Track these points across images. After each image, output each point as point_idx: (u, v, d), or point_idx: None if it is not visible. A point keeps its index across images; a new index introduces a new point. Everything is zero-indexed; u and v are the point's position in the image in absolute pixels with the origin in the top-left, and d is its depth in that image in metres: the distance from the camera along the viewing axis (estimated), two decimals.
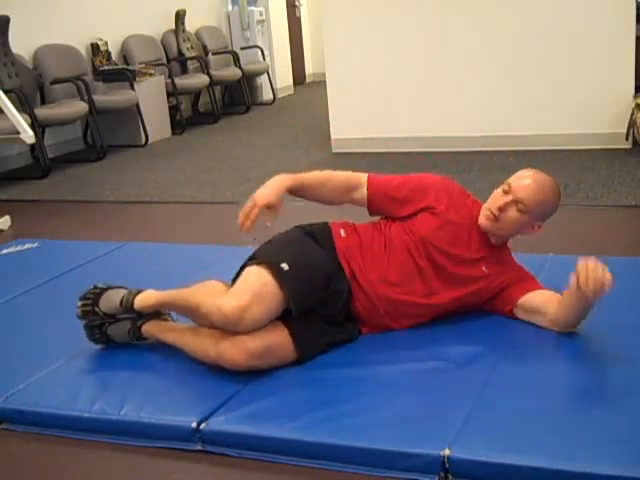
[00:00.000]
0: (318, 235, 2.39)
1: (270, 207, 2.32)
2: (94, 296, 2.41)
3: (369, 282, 2.32)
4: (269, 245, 2.38)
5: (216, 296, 2.17)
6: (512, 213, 2.31)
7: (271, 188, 2.35)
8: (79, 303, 2.42)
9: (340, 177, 2.47)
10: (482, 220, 2.35)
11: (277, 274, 2.18)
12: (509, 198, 2.31)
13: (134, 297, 2.37)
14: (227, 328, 2.13)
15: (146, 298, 2.36)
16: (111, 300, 2.39)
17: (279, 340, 2.19)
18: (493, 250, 2.40)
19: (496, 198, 2.35)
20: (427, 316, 2.39)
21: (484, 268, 2.36)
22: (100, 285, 2.44)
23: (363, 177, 2.46)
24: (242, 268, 2.30)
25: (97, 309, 2.39)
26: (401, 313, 2.35)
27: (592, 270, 2.02)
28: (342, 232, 2.41)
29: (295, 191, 2.41)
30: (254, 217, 2.30)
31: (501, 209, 2.31)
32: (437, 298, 2.35)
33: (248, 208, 2.32)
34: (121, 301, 2.37)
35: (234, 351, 2.12)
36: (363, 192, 2.44)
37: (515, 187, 2.31)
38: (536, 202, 2.31)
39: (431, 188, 2.41)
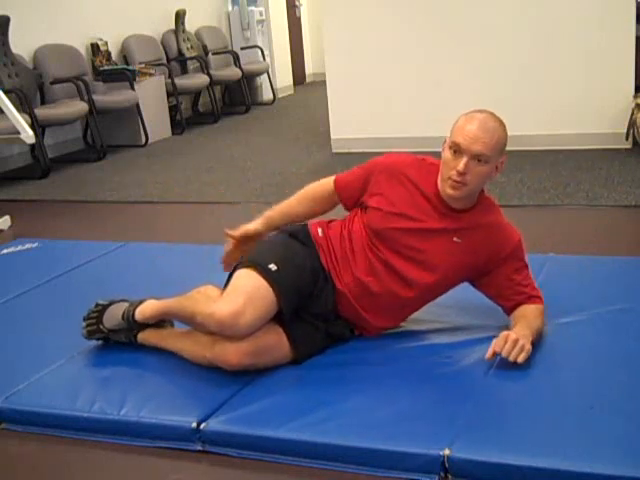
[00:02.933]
0: (300, 236, 2.38)
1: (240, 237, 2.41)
2: (97, 314, 2.41)
3: (344, 282, 2.30)
4: (255, 249, 2.38)
5: (211, 303, 2.17)
6: (477, 169, 2.16)
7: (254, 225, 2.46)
8: (84, 324, 2.42)
9: (313, 190, 2.46)
10: (449, 192, 2.19)
11: (267, 275, 2.18)
12: (466, 157, 2.14)
13: (135, 309, 2.37)
14: (224, 334, 2.12)
15: (145, 309, 2.36)
16: (114, 315, 2.40)
17: (274, 340, 2.19)
18: (462, 217, 2.27)
19: (451, 163, 2.16)
20: (415, 305, 2.35)
21: (455, 239, 2.25)
22: (101, 302, 2.44)
23: (331, 182, 2.43)
24: (231, 273, 2.29)
25: (102, 327, 2.40)
26: (384, 307, 2.31)
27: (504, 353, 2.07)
28: (319, 231, 2.40)
29: (269, 228, 2.45)
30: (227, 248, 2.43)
31: (463, 172, 2.14)
32: (417, 283, 2.27)
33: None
34: (123, 315, 2.38)
35: (229, 352, 2.12)
36: (336, 198, 2.44)
37: (465, 143, 2.14)
38: (493, 145, 2.17)
39: (372, 175, 2.34)
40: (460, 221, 2.27)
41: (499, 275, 2.30)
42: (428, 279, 2.27)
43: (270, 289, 2.16)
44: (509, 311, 2.31)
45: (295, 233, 2.39)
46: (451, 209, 2.27)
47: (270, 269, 2.20)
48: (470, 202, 2.28)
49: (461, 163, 2.14)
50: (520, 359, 2.06)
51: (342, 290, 2.30)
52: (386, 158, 2.39)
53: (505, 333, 2.10)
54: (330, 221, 2.44)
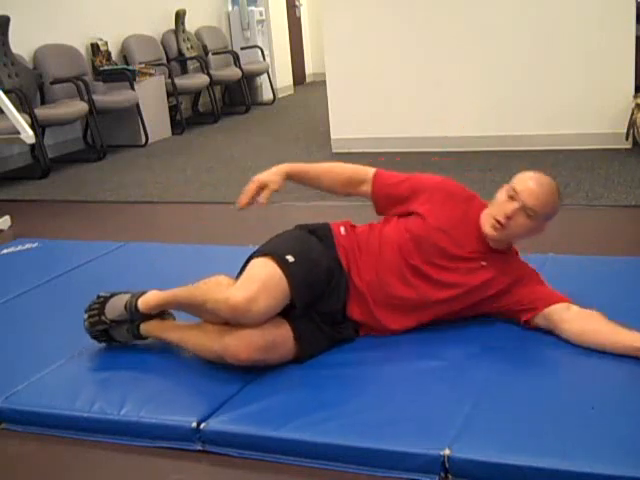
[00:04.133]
0: (319, 233, 2.41)
1: (264, 186, 2.39)
2: (99, 306, 2.41)
3: (364, 282, 2.31)
4: (272, 240, 2.39)
5: (223, 289, 2.17)
6: (521, 220, 2.26)
7: (270, 170, 2.44)
8: (85, 315, 2.42)
9: (345, 170, 2.50)
10: (488, 230, 2.28)
11: (283, 265, 2.19)
12: (516, 205, 2.24)
13: (137, 299, 2.37)
14: (235, 320, 2.12)
15: (150, 299, 2.36)
16: (116, 306, 2.39)
17: (282, 336, 2.19)
18: (493, 251, 2.35)
19: (501, 205, 2.27)
20: (427, 315, 2.36)
21: (483, 262, 2.31)
22: (103, 293, 2.44)
23: (370, 173, 2.47)
24: (247, 262, 2.30)
25: (104, 318, 2.40)
26: (399, 311, 2.32)
27: None
28: (342, 230, 2.43)
29: (294, 176, 2.48)
30: (249, 192, 2.39)
31: (509, 217, 2.25)
32: (435, 294, 2.31)
33: (247, 187, 2.41)
34: (125, 305, 2.37)
35: (239, 345, 2.12)
36: (368, 188, 2.46)
37: (522, 193, 2.24)
38: (545, 206, 2.27)
39: (426, 190, 2.39)
40: (491, 255, 2.34)
41: (520, 293, 2.35)
42: (449, 291, 2.31)
43: (284, 278, 2.17)
44: (532, 317, 2.31)
45: (314, 230, 2.42)
46: (487, 246, 2.34)
47: (287, 260, 2.21)
48: (502, 245, 2.36)
49: (511, 208, 2.24)
50: None
51: (360, 288, 2.30)
52: (446, 180, 2.45)
53: None
54: (353, 225, 2.47)
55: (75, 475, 1.97)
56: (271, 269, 2.19)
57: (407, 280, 2.30)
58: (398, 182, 2.44)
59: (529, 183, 2.27)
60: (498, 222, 2.26)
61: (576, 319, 2.23)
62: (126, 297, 2.40)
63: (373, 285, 2.31)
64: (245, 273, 2.23)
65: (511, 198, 2.26)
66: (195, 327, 2.31)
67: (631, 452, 1.72)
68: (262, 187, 2.39)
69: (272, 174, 2.42)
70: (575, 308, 2.27)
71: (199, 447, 1.97)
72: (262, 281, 2.15)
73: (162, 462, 1.96)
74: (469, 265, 2.32)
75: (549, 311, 2.27)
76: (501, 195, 2.29)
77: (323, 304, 2.29)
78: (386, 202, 2.45)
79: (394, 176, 2.48)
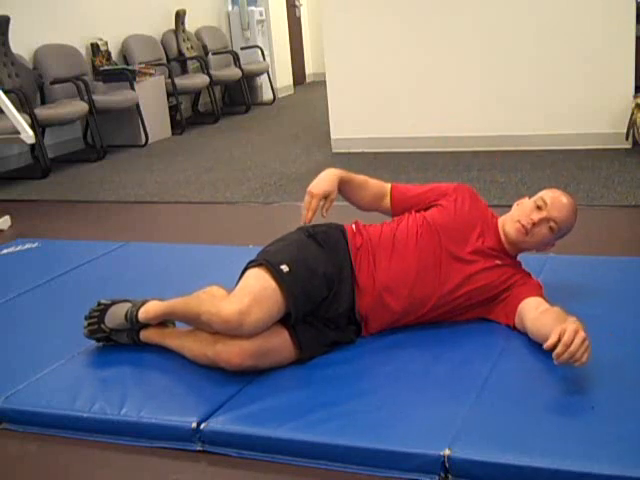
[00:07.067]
0: (321, 237, 2.37)
1: (327, 196, 2.42)
2: (99, 313, 2.40)
3: (383, 274, 2.30)
4: (270, 247, 2.38)
5: (216, 302, 2.16)
6: (543, 229, 2.37)
7: (324, 179, 2.46)
8: (85, 323, 2.41)
9: (374, 184, 2.58)
10: (511, 231, 2.38)
11: (276, 276, 2.17)
12: (543, 215, 2.36)
13: (138, 309, 2.36)
14: (229, 333, 2.12)
15: (149, 310, 2.35)
16: (116, 315, 2.39)
17: (277, 342, 2.18)
18: (506, 254, 2.42)
19: (527, 211, 2.38)
20: (441, 306, 2.35)
21: (498, 261, 2.38)
22: (103, 301, 2.43)
23: (387, 187, 2.56)
24: (244, 271, 2.29)
25: (103, 326, 2.39)
26: (415, 298, 2.32)
27: (572, 347, 1.91)
28: (354, 227, 2.44)
29: (343, 184, 2.50)
30: (314, 207, 2.40)
31: (535, 223, 2.35)
32: (450, 284, 2.32)
33: (307, 202, 2.42)
34: (126, 315, 2.37)
35: (230, 351, 2.12)
36: (387, 201, 2.54)
37: (552, 205, 2.36)
38: (567, 224, 2.40)
39: (450, 193, 2.48)
40: (504, 258, 2.41)
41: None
42: (465, 285, 2.34)
43: (278, 290, 2.15)
44: (514, 319, 2.34)
45: (315, 235, 2.38)
46: (503, 248, 2.41)
47: (281, 270, 2.19)
48: (516, 253, 2.46)
49: (539, 216, 2.36)
50: (584, 359, 1.93)
51: (371, 284, 2.30)
52: (466, 185, 2.55)
53: (575, 327, 1.94)
54: (363, 224, 2.48)
55: (75, 475, 1.97)
56: (264, 281, 2.17)
57: (425, 274, 2.31)
58: (421, 193, 2.53)
59: (560, 198, 2.40)
60: (523, 226, 2.36)
61: (536, 316, 2.24)
62: (127, 306, 2.39)
63: (392, 277, 2.30)
64: (238, 285, 2.22)
65: (539, 208, 2.37)
66: (191, 333, 2.30)
67: (631, 452, 1.72)
68: (324, 198, 2.42)
69: (328, 183, 2.44)
70: (542, 307, 2.27)
71: (199, 447, 1.97)
72: (254, 293, 2.13)
73: (162, 462, 1.96)
74: (486, 260, 2.36)
75: (520, 311, 2.31)
76: (527, 202, 2.42)
77: (326, 310, 2.27)
78: (407, 206, 2.52)
79: (412, 188, 2.57)
